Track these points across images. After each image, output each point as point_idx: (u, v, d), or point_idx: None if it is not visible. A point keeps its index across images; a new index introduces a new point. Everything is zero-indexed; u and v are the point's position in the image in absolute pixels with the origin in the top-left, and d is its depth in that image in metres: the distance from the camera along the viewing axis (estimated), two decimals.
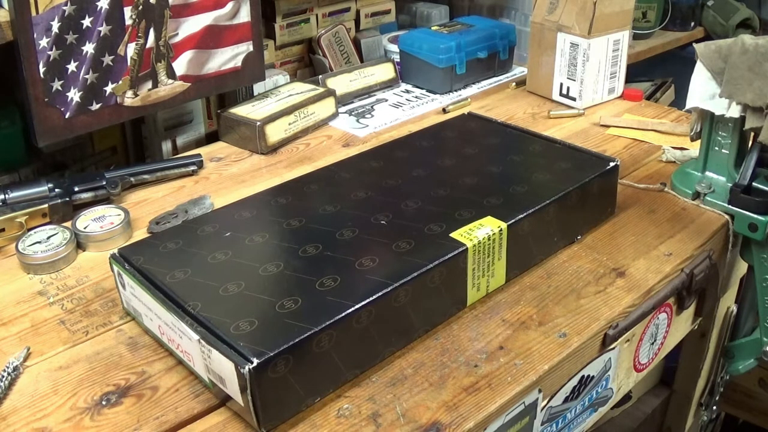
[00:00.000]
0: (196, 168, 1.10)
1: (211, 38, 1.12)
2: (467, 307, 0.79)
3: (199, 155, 1.12)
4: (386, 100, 1.37)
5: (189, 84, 1.12)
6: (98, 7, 0.97)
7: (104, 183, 1.01)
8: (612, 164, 0.92)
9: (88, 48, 0.98)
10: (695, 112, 0.98)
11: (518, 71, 1.49)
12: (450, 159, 0.96)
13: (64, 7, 0.94)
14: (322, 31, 1.44)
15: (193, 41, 1.10)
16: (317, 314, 0.65)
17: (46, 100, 0.96)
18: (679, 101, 2.03)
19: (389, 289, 0.69)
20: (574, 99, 1.30)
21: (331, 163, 0.99)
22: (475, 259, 0.77)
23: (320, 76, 1.32)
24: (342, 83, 1.34)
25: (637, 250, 0.89)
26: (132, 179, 1.05)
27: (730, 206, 0.94)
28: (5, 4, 0.92)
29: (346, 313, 0.66)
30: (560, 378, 0.74)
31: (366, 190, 0.88)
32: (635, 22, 1.91)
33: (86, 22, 0.97)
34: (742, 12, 2.07)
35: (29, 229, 0.92)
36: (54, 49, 0.95)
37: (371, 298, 0.68)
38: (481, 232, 0.78)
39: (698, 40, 1.13)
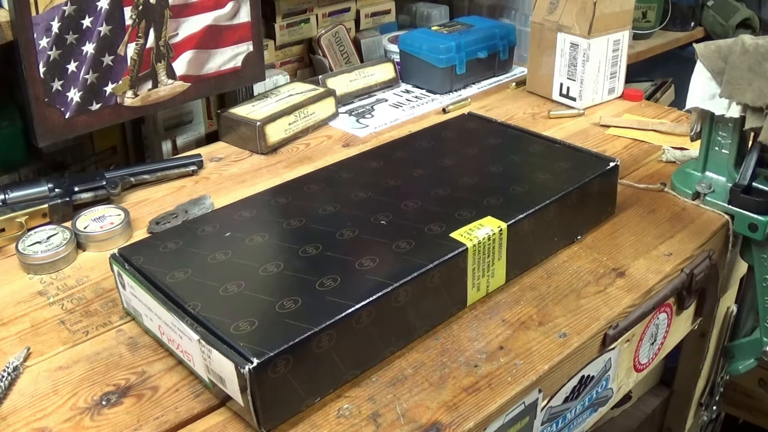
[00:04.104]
0: (196, 168, 1.10)
1: (211, 38, 1.12)
2: (467, 307, 0.79)
3: (199, 155, 1.12)
4: (386, 100, 1.37)
5: (189, 84, 1.12)
6: (98, 7, 0.97)
7: (104, 183, 1.01)
8: (612, 164, 0.92)
9: (88, 48, 0.98)
10: (695, 112, 0.98)
11: (518, 71, 1.49)
12: (450, 159, 0.96)
13: (64, 7, 0.94)
14: (322, 31, 1.44)
15: (193, 41, 1.10)
16: (317, 314, 0.65)
17: (46, 100, 0.96)
18: (679, 101, 2.03)
19: (389, 289, 0.69)
20: (574, 99, 1.30)
21: (331, 163, 0.99)
22: (475, 259, 0.77)
23: (320, 76, 1.32)
24: (342, 83, 1.34)
25: (637, 250, 0.89)
26: (132, 179, 1.05)
27: (730, 206, 0.94)
28: (5, 4, 0.92)
29: (346, 313, 0.66)
30: (560, 378, 0.74)
31: (366, 191, 0.88)
32: (635, 22, 1.91)
33: (86, 22, 0.97)
34: (742, 12, 2.07)
35: (29, 229, 0.92)
36: (54, 49, 0.95)
37: (371, 298, 0.68)
38: (481, 232, 0.78)
39: (698, 40, 1.13)
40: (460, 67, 1.38)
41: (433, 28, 1.44)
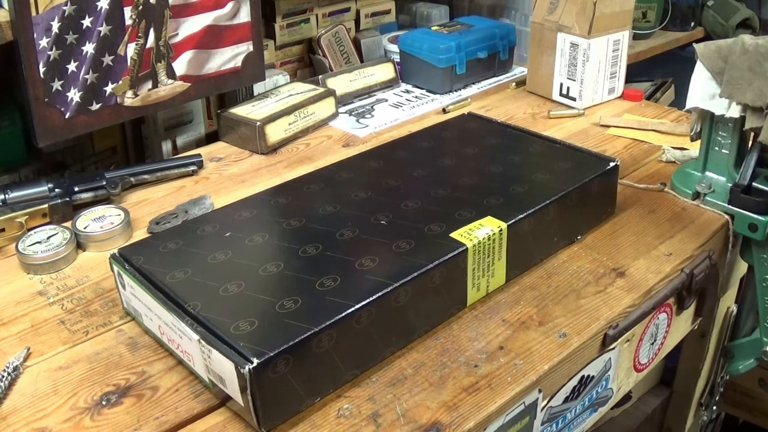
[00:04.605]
0: (196, 168, 1.10)
1: (211, 38, 1.12)
2: (467, 307, 0.79)
3: (199, 155, 1.12)
4: (386, 100, 1.37)
5: (189, 84, 1.12)
6: (98, 7, 0.97)
7: (104, 183, 1.01)
8: (612, 164, 0.92)
9: (88, 48, 0.98)
10: (695, 112, 0.98)
11: (518, 71, 1.49)
12: (450, 159, 0.96)
13: (64, 7, 0.94)
14: (322, 31, 1.44)
15: (193, 41, 1.10)
16: (317, 314, 0.65)
17: (46, 100, 0.96)
18: (679, 101, 2.03)
19: (389, 289, 0.69)
20: (574, 99, 1.30)
21: (331, 163, 0.99)
22: (475, 259, 0.77)
23: (320, 76, 1.32)
24: (342, 83, 1.34)
25: (637, 250, 0.89)
26: (132, 179, 1.05)
27: (730, 206, 0.94)
28: (5, 4, 0.92)
29: (346, 313, 0.66)
30: (560, 378, 0.74)
31: (366, 190, 0.88)
32: (635, 22, 1.91)
33: (86, 22, 0.97)
34: (742, 12, 2.07)
35: (29, 229, 0.92)
36: (54, 49, 0.95)
37: (371, 298, 0.68)
38: (481, 232, 0.78)
39: (698, 40, 1.13)
40: (460, 67, 1.38)
41: (433, 28, 1.44)
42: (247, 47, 1.17)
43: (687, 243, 0.91)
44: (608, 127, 1.23)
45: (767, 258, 0.93)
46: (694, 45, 0.96)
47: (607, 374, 0.83)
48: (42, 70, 0.94)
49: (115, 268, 0.77)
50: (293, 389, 0.64)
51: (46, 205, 0.95)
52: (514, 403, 0.69)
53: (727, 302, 1.10)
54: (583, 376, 0.78)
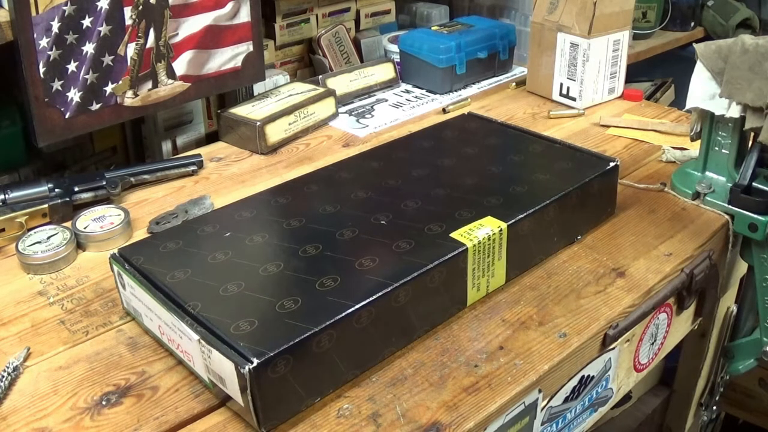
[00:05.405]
0: (196, 168, 1.10)
1: (211, 38, 1.12)
2: (467, 307, 0.79)
3: (199, 155, 1.12)
4: (386, 100, 1.37)
5: (189, 84, 1.12)
6: (98, 7, 0.97)
7: (104, 183, 1.01)
8: (612, 164, 0.92)
9: (88, 48, 0.98)
10: (695, 112, 0.98)
11: (518, 71, 1.49)
12: (450, 159, 0.96)
13: (64, 7, 0.94)
14: (322, 31, 1.44)
15: (193, 41, 1.10)
16: (317, 314, 0.65)
17: (46, 100, 0.96)
18: (679, 101, 2.03)
19: (389, 289, 0.69)
20: (574, 99, 1.30)
21: (331, 163, 0.99)
22: (475, 259, 0.77)
23: (320, 76, 1.32)
24: (342, 83, 1.34)
25: (637, 250, 0.89)
26: (132, 179, 1.05)
27: (730, 206, 0.94)
28: (5, 4, 0.92)
29: (346, 313, 0.66)
30: (560, 378, 0.74)
31: (366, 191, 0.88)
32: (635, 22, 1.91)
33: (86, 22, 0.97)
34: (742, 12, 2.07)
35: (29, 229, 0.92)
36: (54, 49, 0.95)
37: (371, 298, 0.68)
38: (481, 232, 0.78)
39: (698, 40, 1.13)
40: (460, 67, 1.38)
41: (433, 28, 1.44)
42: (247, 47, 1.17)
43: (687, 243, 0.91)
44: (608, 127, 1.23)
45: (767, 258, 0.93)
46: (694, 45, 0.96)
47: (607, 374, 0.83)
48: (42, 70, 0.94)
49: (115, 268, 0.77)
50: (293, 389, 0.64)
51: (46, 205, 0.95)
52: (514, 403, 0.69)
53: (727, 302, 1.10)
54: (583, 376, 0.78)
